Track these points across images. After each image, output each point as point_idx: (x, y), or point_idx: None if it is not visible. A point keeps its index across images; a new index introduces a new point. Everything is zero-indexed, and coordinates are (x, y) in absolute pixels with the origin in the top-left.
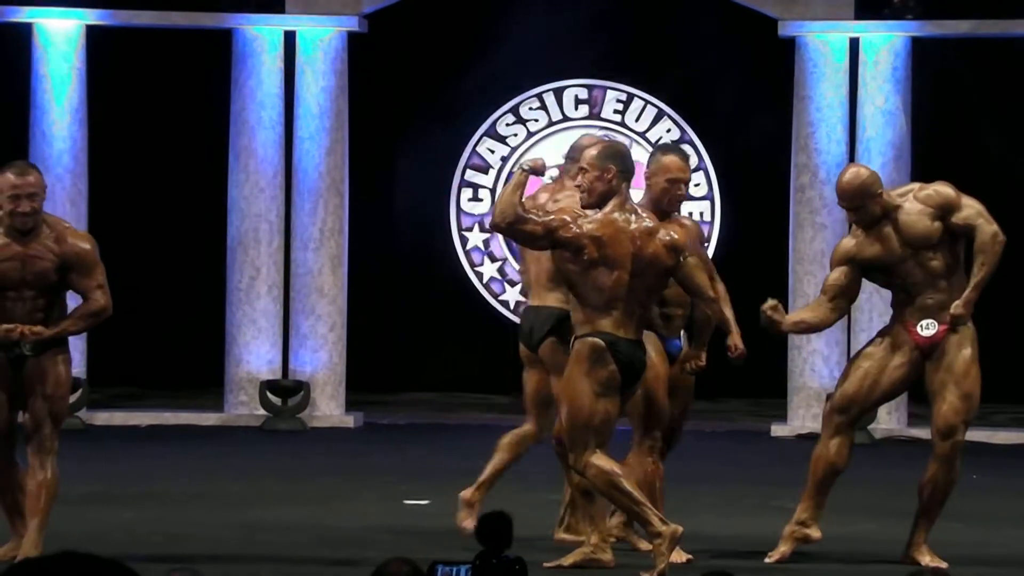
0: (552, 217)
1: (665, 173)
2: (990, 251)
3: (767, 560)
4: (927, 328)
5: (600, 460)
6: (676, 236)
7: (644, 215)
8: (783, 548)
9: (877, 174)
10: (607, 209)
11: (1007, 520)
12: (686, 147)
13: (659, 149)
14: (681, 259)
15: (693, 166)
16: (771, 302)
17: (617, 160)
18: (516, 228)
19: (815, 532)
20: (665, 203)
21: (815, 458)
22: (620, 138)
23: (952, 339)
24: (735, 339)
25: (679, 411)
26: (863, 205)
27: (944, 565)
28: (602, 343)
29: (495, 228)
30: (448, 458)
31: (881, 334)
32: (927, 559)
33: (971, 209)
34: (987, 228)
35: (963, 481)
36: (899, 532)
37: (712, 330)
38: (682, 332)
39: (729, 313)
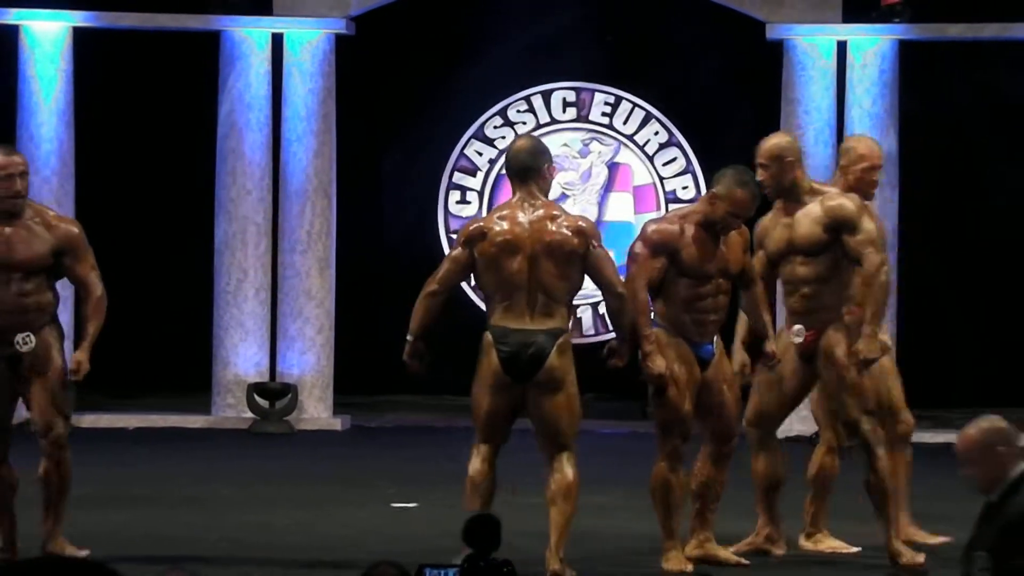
0: (456, 240)
1: (730, 207)
2: (875, 283)
3: (731, 550)
4: (797, 335)
5: (474, 460)
6: (584, 224)
7: (547, 204)
8: (741, 547)
9: (799, 146)
10: (506, 202)
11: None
12: (673, 149)
13: (735, 181)
14: (591, 247)
15: (680, 169)
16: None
17: (505, 159)
18: (445, 276)
19: (779, 549)
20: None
21: (753, 477)
22: (610, 141)
23: (827, 340)
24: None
25: (725, 416)
26: (771, 166)
27: (921, 560)
28: (488, 337)
29: (433, 294)
30: (435, 461)
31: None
32: (905, 558)
33: (864, 235)
34: (873, 259)
35: (951, 483)
36: (882, 535)
37: (630, 329)
38: (715, 337)
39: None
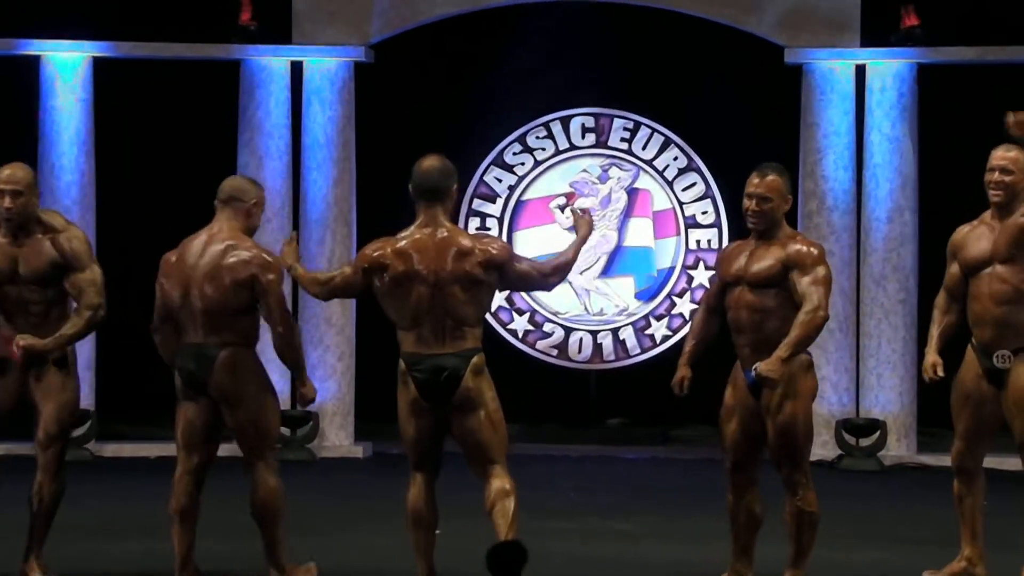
0: (356, 257)
1: None
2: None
3: None
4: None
5: (411, 488)
6: (495, 249)
7: (451, 229)
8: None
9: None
10: (411, 228)
11: (1013, 545)
12: (693, 175)
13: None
14: (505, 266)
15: (700, 194)
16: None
17: (412, 178)
18: (333, 288)
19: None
20: None
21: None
22: (629, 166)
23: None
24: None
25: (777, 445)
26: (26, 193)
27: None
28: (403, 365)
29: (320, 298)
30: (456, 487)
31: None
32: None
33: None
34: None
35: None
36: (910, 559)
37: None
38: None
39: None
